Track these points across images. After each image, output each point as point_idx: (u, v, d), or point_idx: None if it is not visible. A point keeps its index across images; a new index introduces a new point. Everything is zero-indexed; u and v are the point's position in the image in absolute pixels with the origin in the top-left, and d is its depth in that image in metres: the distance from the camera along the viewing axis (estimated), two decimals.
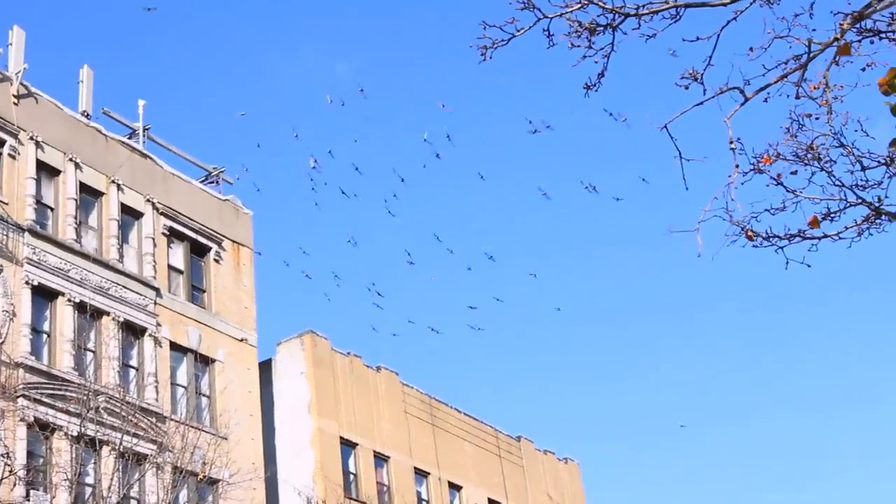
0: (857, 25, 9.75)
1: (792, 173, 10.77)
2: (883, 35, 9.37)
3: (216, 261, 36.10)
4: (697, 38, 9.75)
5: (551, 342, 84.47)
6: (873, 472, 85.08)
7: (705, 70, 9.95)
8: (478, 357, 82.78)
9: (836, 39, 9.81)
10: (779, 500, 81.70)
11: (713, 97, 10.98)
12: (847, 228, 10.33)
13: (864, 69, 10.43)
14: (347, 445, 38.23)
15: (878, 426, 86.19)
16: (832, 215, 10.39)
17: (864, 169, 10.18)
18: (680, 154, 11.11)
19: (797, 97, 10.69)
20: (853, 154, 10.27)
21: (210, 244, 36.11)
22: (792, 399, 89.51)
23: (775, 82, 10.78)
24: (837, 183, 10.36)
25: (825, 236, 10.40)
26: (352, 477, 38.02)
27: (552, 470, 48.25)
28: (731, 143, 10.89)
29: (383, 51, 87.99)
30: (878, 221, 10.15)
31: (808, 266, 10.61)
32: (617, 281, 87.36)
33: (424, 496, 40.81)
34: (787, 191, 10.50)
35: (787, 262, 10.56)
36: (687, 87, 10.03)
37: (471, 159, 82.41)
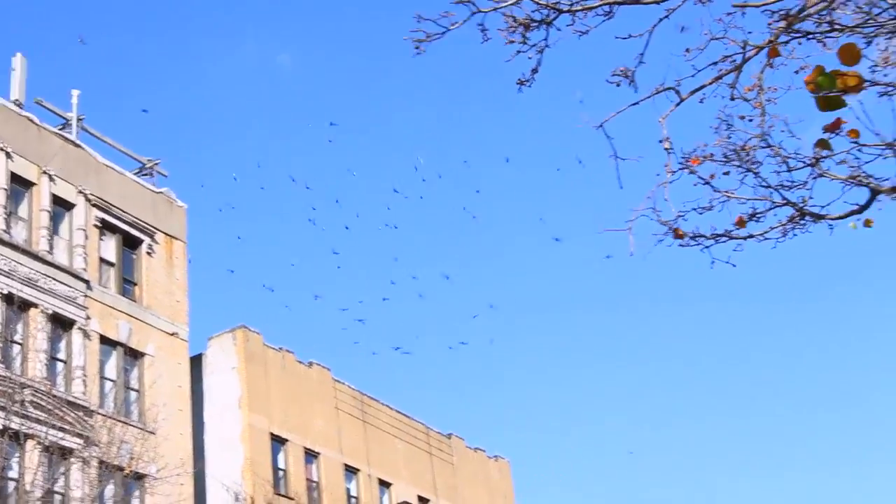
0: (790, 28, 9.88)
1: (724, 174, 10.89)
2: (811, 36, 9.50)
3: (148, 254, 35.78)
4: (629, 36, 9.83)
5: (483, 339, 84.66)
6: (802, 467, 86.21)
7: (637, 68, 10.03)
8: (411, 355, 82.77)
9: (771, 42, 9.93)
10: (701, 496, 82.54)
11: (649, 97, 11.09)
12: (772, 229, 10.46)
13: (797, 72, 10.57)
14: (277, 441, 38.07)
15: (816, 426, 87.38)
16: (758, 215, 10.51)
17: (790, 170, 10.31)
18: (615, 153, 11.20)
19: (732, 98, 10.81)
20: (780, 155, 10.40)
21: (142, 237, 35.78)
22: (717, 397, 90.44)
23: (710, 83, 10.89)
24: (764, 184, 10.48)
25: (750, 236, 10.52)
26: (281, 473, 37.87)
27: (482, 468, 48.39)
28: (666, 143, 10.99)
29: (324, 42, 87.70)
30: (802, 222, 10.29)
31: (734, 266, 10.74)
32: (550, 277, 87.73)
33: (354, 493, 40.75)
34: (715, 191, 10.62)
35: (713, 262, 10.68)
36: (618, 85, 10.11)
37: (407, 150, 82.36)
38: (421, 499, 43.47)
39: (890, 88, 8.95)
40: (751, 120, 10.84)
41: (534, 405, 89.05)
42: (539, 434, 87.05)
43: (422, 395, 79.04)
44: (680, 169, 10.54)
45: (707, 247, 10.50)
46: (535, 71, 10.08)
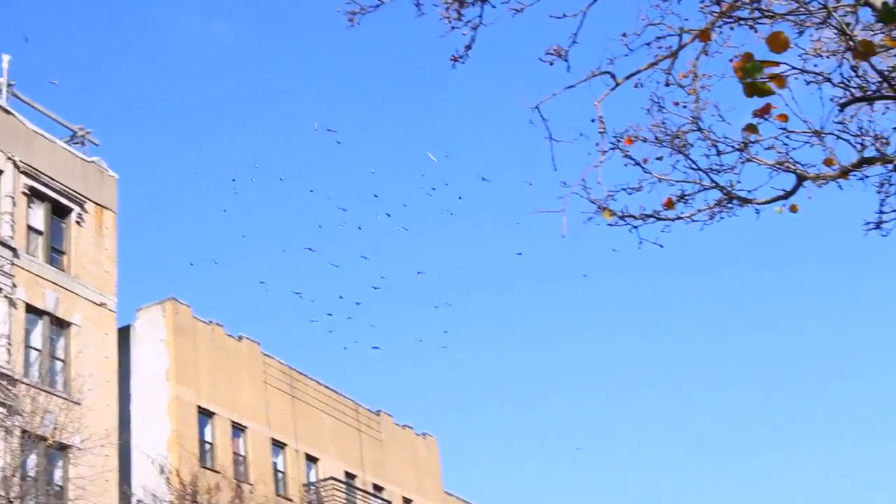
0: (724, 14, 9.95)
1: (658, 159, 10.98)
2: (744, 22, 9.59)
3: (78, 223, 35.35)
4: (564, 16, 9.86)
5: (414, 316, 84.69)
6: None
7: (570, 48, 10.07)
8: (341, 330, 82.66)
9: (708, 29, 10.01)
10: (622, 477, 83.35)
11: (585, 80, 11.14)
12: (700, 211, 10.56)
13: (731, 60, 10.66)
14: (205, 414, 37.88)
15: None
16: (686, 198, 10.60)
17: (719, 154, 10.41)
18: (550, 135, 11.25)
19: (667, 84, 10.89)
20: (710, 139, 10.50)
21: (72, 206, 35.34)
22: (644, 376, 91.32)
23: (646, 69, 10.96)
24: (693, 166, 10.57)
25: (678, 218, 10.61)
26: (208, 446, 37.69)
27: (410, 445, 48.51)
28: (600, 125, 11.05)
29: (261, 12, 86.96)
30: (729, 205, 10.39)
31: (661, 246, 10.83)
32: (481, 255, 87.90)
33: (281, 467, 40.68)
34: (645, 171, 10.70)
35: (641, 242, 10.77)
36: (551, 64, 10.14)
37: (334, 121, 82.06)
38: (348, 474, 43.50)
39: (819, 77, 9.06)
40: (685, 106, 10.92)
41: (464, 384, 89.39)
42: (468, 413, 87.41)
43: (351, 372, 78.93)
44: (612, 149, 10.61)
45: (635, 227, 10.59)
46: (468, 48, 10.09)
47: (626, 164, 10.88)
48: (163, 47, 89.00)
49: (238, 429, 39.08)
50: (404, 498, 46.69)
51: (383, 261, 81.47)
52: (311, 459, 42.17)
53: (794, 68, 7.41)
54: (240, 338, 40.75)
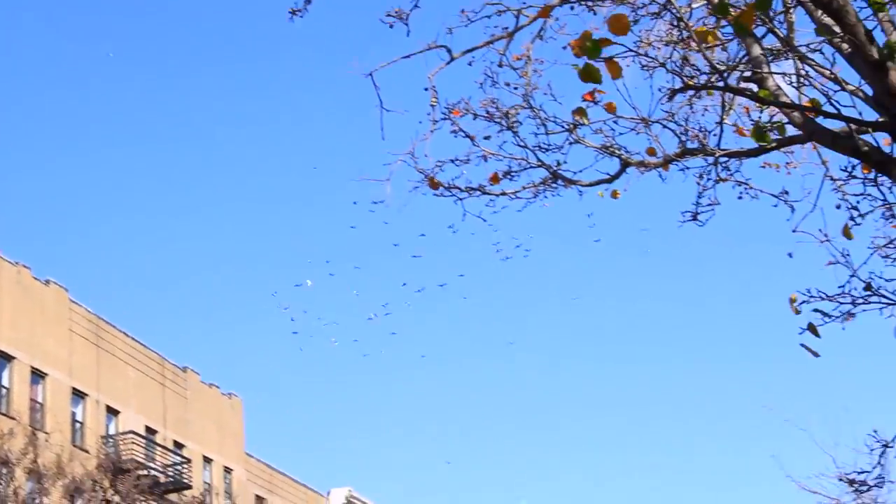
0: None
1: (485, 138, 11.01)
2: (583, 2, 9.67)
3: None
4: None
5: (227, 275, 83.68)
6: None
7: (412, 11, 10.00)
8: (153, 281, 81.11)
9: (549, 7, 10.06)
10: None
11: (421, 52, 11.10)
12: (524, 188, 10.63)
13: (564, 48, 10.74)
14: (3, 358, 36.70)
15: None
16: (513, 174, 10.66)
17: (547, 133, 10.49)
18: (381, 103, 11.18)
19: (500, 65, 10.93)
20: (539, 117, 10.57)
21: None
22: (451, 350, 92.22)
23: (481, 46, 10.98)
24: (521, 144, 10.63)
25: (503, 193, 10.66)
26: (4, 391, 36.54)
27: (215, 403, 47.96)
28: (433, 98, 11.02)
29: None
30: (554, 185, 10.49)
31: (484, 220, 10.88)
32: (303, 224, 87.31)
33: (80, 417, 39.71)
34: (474, 144, 10.72)
35: (465, 214, 10.80)
36: (391, 26, 10.07)
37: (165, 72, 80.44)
38: (149, 429, 42.74)
39: (653, 62, 9.21)
40: (516, 88, 10.99)
41: (275, 349, 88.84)
42: (278, 377, 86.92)
43: (161, 326, 77.57)
44: (443, 119, 10.60)
45: (461, 199, 10.60)
46: (308, 1, 9.93)
47: (455, 136, 10.90)
48: None
49: (38, 375, 37.99)
50: (205, 457, 46.16)
51: (219, 225, 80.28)
52: (112, 412, 41.30)
53: (630, 50, 7.49)
54: (47, 282, 39.58)
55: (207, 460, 46.40)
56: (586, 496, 79.22)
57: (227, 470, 47.83)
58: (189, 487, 42.65)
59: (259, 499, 49.99)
